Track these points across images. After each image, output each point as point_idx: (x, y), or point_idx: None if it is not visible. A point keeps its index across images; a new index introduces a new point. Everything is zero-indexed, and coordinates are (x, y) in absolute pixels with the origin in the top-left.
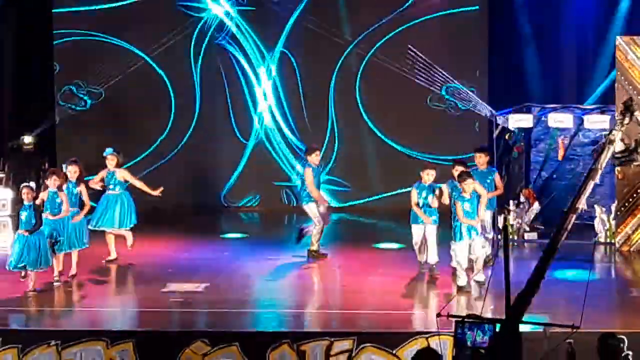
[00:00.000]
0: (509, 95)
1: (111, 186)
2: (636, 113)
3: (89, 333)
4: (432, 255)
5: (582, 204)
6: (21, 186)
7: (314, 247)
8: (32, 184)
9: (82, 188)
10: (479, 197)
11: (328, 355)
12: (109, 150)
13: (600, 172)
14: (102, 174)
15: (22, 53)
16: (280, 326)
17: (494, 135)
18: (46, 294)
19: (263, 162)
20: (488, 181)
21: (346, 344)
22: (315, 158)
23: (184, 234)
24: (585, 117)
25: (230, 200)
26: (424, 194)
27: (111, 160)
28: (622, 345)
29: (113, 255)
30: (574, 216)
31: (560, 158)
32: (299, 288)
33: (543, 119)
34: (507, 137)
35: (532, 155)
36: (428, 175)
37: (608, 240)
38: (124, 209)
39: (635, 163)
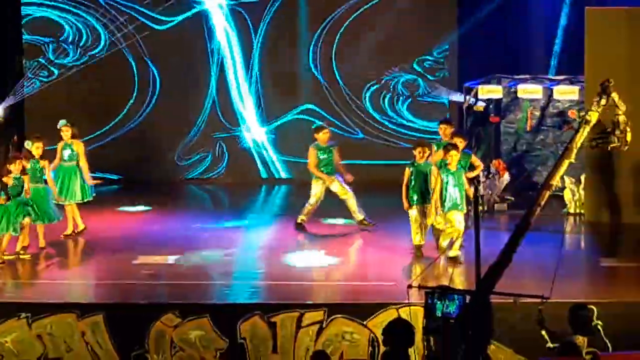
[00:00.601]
0: (479, 66)
1: (67, 158)
2: (613, 94)
3: (59, 305)
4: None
5: (556, 182)
6: None
7: (301, 218)
8: None
9: (45, 163)
10: (464, 169)
11: (299, 327)
12: (62, 122)
13: (575, 151)
14: (60, 146)
15: None
16: (251, 298)
17: (464, 107)
18: (15, 267)
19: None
20: None
21: (317, 316)
22: (323, 136)
23: (148, 206)
24: (555, 88)
25: (183, 158)
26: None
27: (66, 132)
28: (592, 315)
29: (81, 226)
30: (548, 193)
31: (528, 129)
32: (270, 260)
33: (512, 90)
34: (475, 108)
35: (502, 126)
36: (420, 154)
37: (577, 211)
38: (83, 181)
39: (612, 145)
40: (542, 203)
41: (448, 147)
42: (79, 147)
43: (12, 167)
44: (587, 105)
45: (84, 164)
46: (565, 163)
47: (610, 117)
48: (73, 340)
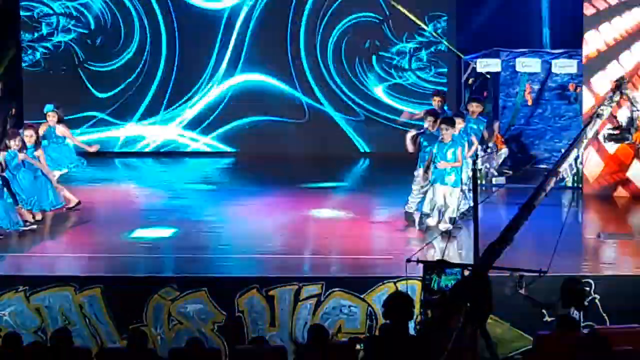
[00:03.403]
0: (477, 39)
1: (54, 141)
2: (627, 91)
3: (57, 279)
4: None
5: (563, 169)
6: None
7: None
8: None
9: (40, 153)
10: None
11: (297, 300)
12: (49, 107)
13: (585, 142)
14: (43, 129)
15: None
16: (248, 271)
17: (462, 80)
18: (12, 239)
19: None
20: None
21: (315, 289)
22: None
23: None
24: (553, 62)
25: None
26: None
27: (52, 117)
28: (587, 289)
29: (74, 201)
30: (555, 179)
31: (530, 103)
32: (267, 233)
33: (511, 63)
34: (470, 82)
35: (500, 100)
36: (435, 102)
37: (575, 185)
38: (70, 151)
39: (627, 142)
40: (548, 189)
41: (443, 120)
42: (63, 131)
43: (10, 142)
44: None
45: (77, 140)
46: (574, 152)
47: None
48: (71, 313)
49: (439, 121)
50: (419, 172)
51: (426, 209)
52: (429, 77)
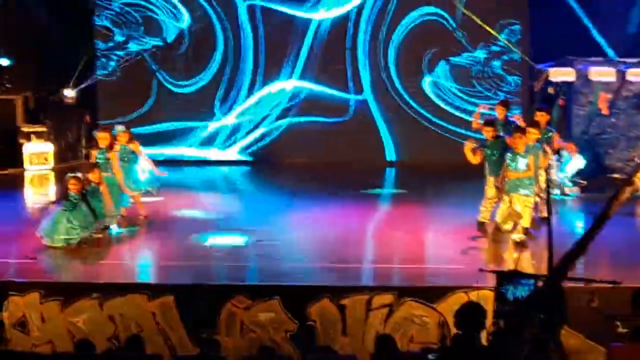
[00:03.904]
0: (552, 47)
1: (125, 159)
2: None
3: (130, 286)
4: None
5: (638, 179)
6: (68, 176)
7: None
8: (80, 175)
9: (112, 155)
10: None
11: (368, 310)
12: (120, 128)
13: None
14: (116, 149)
15: (64, 5)
16: (320, 280)
17: (535, 89)
18: (87, 247)
19: None
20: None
21: (387, 299)
22: (498, 111)
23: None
24: (628, 71)
25: None
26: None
27: (123, 137)
28: None
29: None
30: (630, 189)
31: (604, 112)
32: (339, 242)
33: (584, 72)
34: (550, 90)
35: (574, 109)
36: (499, 110)
37: None
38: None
39: None
40: (623, 199)
41: (515, 129)
42: (135, 147)
43: (91, 176)
44: None
45: (146, 159)
46: None
47: None
48: (144, 321)
49: (515, 131)
50: (489, 181)
51: (499, 218)
52: (501, 86)
